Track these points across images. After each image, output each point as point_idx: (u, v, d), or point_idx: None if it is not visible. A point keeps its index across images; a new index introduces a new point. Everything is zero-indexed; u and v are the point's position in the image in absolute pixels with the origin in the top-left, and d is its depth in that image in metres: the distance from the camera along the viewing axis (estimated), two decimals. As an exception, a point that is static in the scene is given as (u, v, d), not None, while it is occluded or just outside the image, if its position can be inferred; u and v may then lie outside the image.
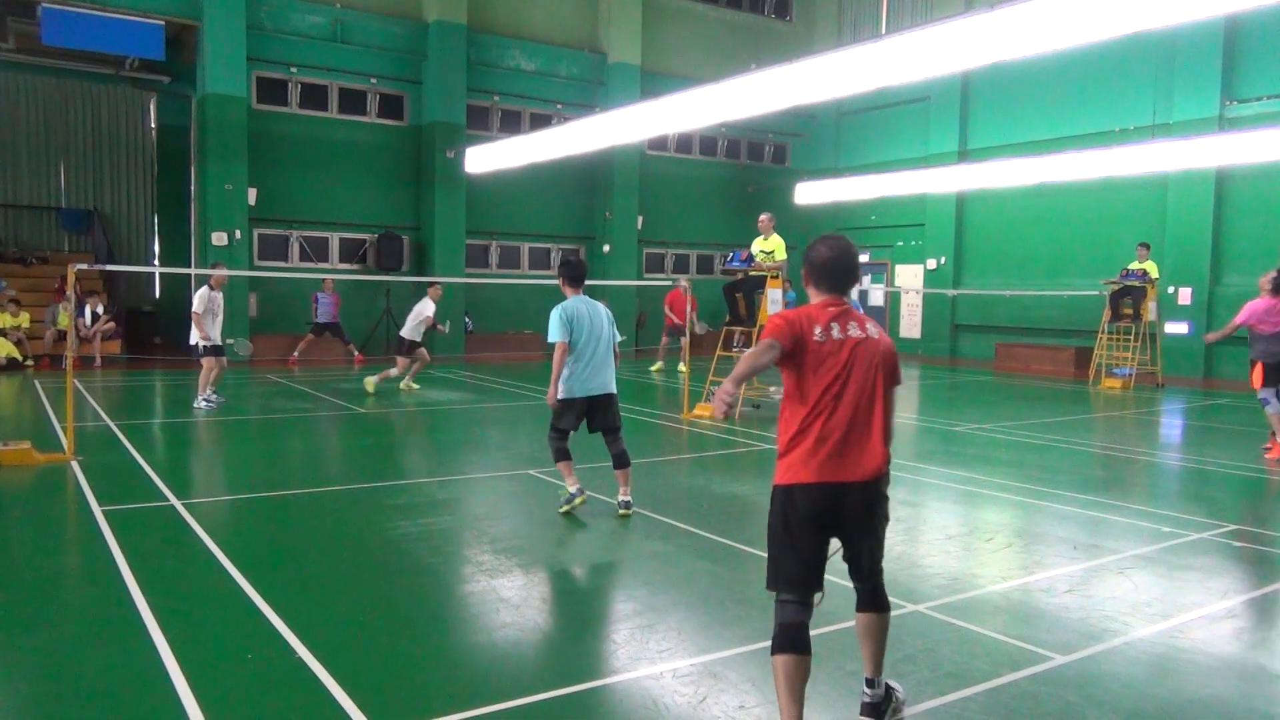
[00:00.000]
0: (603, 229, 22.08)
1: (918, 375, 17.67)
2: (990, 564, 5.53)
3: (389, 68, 19.42)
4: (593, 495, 6.94)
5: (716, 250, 23.53)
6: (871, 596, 3.38)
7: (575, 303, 6.38)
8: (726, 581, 5.06)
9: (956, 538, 6.06)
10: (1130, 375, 15.67)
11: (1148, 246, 16.10)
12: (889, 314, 23.35)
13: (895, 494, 3.59)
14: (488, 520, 6.35)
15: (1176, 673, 3.94)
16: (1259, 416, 10.12)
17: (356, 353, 17.91)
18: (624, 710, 3.50)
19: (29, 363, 15.46)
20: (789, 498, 3.17)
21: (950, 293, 21.15)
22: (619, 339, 6.62)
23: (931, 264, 22.14)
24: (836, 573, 3.61)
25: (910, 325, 22.97)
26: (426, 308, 13.26)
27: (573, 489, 6.46)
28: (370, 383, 13.11)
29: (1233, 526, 6.45)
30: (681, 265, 23.99)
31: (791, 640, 3.07)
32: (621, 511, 6.43)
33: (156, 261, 19.93)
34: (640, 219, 22.32)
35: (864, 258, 22.70)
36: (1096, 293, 17.01)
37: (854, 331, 3.25)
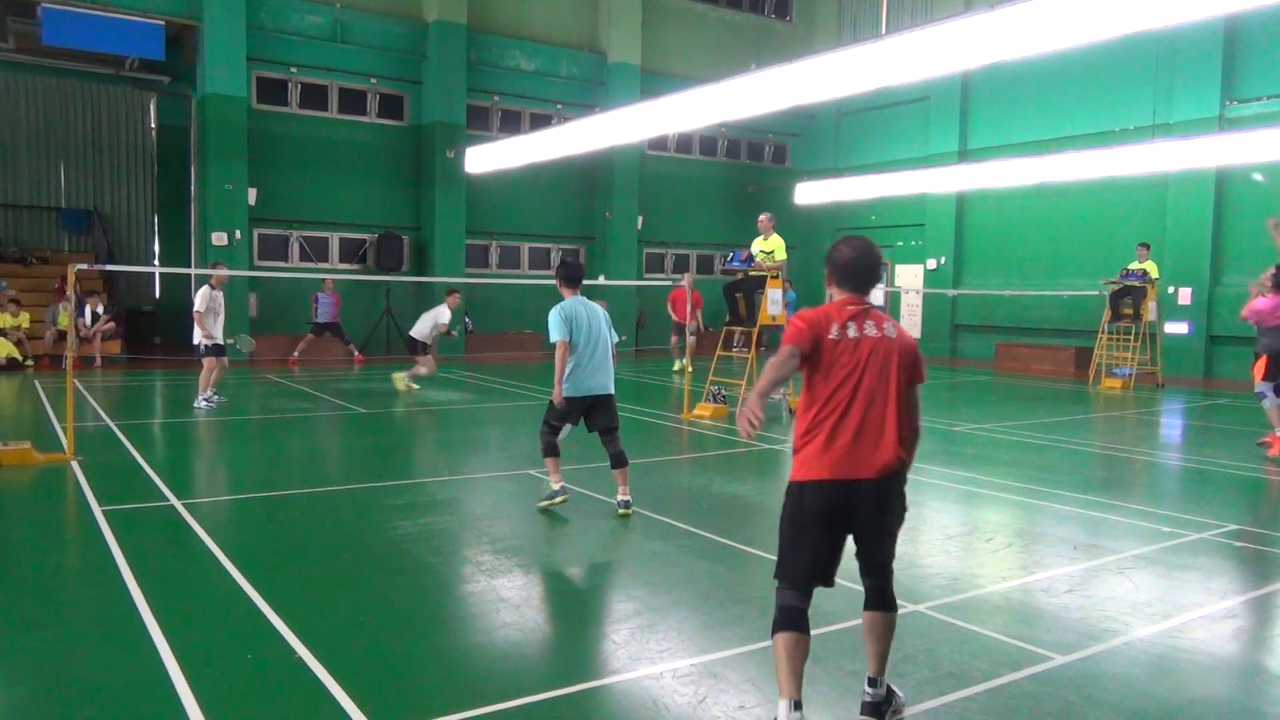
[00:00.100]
0: (603, 229, 22.09)
1: (918, 375, 17.64)
2: (990, 564, 5.53)
3: (389, 68, 19.42)
4: (592, 495, 6.95)
5: (716, 250, 23.53)
6: (879, 596, 3.40)
7: (573, 303, 6.40)
8: (726, 581, 5.06)
9: (956, 538, 6.06)
10: (1130, 375, 15.67)
11: (1148, 246, 16.10)
12: (889, 314, 23.34)
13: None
14: (488, 520, 6.35)
15: (1176, 673, 3.94)
16: (1259, 417, 10.11)
17: (356, 353, 17.91)
18: (624, 710, 3.50)
19: (29, 363, 15.46)
20: (800, 494, 3.24)
21: (950, 293, 21.15)
22: (616, 339, 6.66)
23: (931, 264, 22.14)
24: (840, 574, 3.61)
25: (910, 325, 22.97)
26: (442, 315, 13.21)
27: (556, 486, 6.50)
28: (400, 379, 13.07)
29: (1233, 526, 6.45)
30: (681, 265, 23.99)
31: (792, 622, 3.17)
32: (621, 511, 6.43)
33: (156, 261, 19.92)
34: (640, 219, 22.33)
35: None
36: (1096, 293, 17.02)
37: (870, 331, 3.30)
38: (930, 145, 21.87)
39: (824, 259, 3.51)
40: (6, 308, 15.82)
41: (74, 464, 7.70)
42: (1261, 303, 9.04)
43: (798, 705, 3.09)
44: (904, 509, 3.36)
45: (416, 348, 13.35)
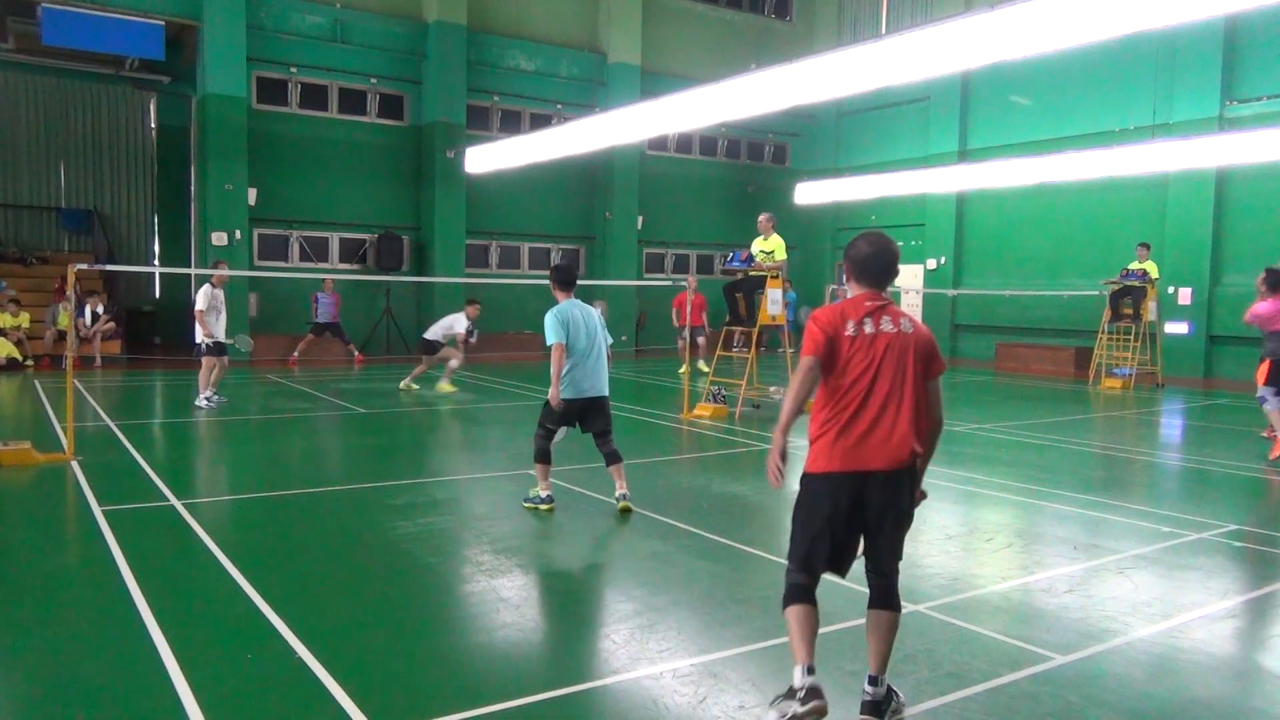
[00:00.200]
0: (603, 229, 22.09)
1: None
2: (990, 564, 5.53)
3: (389, 68, 19.43)
4: (591, 495, 6.96)
5: (716, 250, 23.53)
6: (884, 594, 3.43)
7: (568, 306, 6.44)
8: (726, 581, 5.06)
9: (956, 538, 6.06)
10: (1130, 375, 15.67)
11: (1148, 246, 16.10)
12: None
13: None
14: (488, 520, 6.35)
15: (1176, 673, 3.94)
16: (1259, 417, 10.12)
17: (356, 353, 17.91)
18: (624, 710, 3.50)
19: (29, 363, 15.46)
20: (812, 484, 3.36)
21: (950, 293, 21.15)
22: (609, 341, 6.70)
23: (931, 264, 22.14)
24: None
25: (910, 325, 22.93)
26: (459, 324, 13.17)
27: (544, 493, 6.48)
28: (443, 386, 13.05)
29: (1233, 526, 6.45)
30: (681, 265, 24.00)
31: (799, 596, 3.34)
32: (621, 504, 6.46)
33: (156, 261, 19.93)
34: (640, 219, 22.33)
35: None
36: (1096, 293, 17.01)
37: (887, 326, 3.36)
38: (930, 145, 21.87)
39: (843, 254, 3.59)
40: (6, 308, 15.82)
41: (74, 464, 7.70)
42: (1262, 307, 8.94)
43: (810, 670, 3.23)
44: (913, 503, 3.43)
45: (428, 348, 13.35)
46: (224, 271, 11.58)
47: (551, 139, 14.71)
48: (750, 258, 11.73)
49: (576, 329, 6.34)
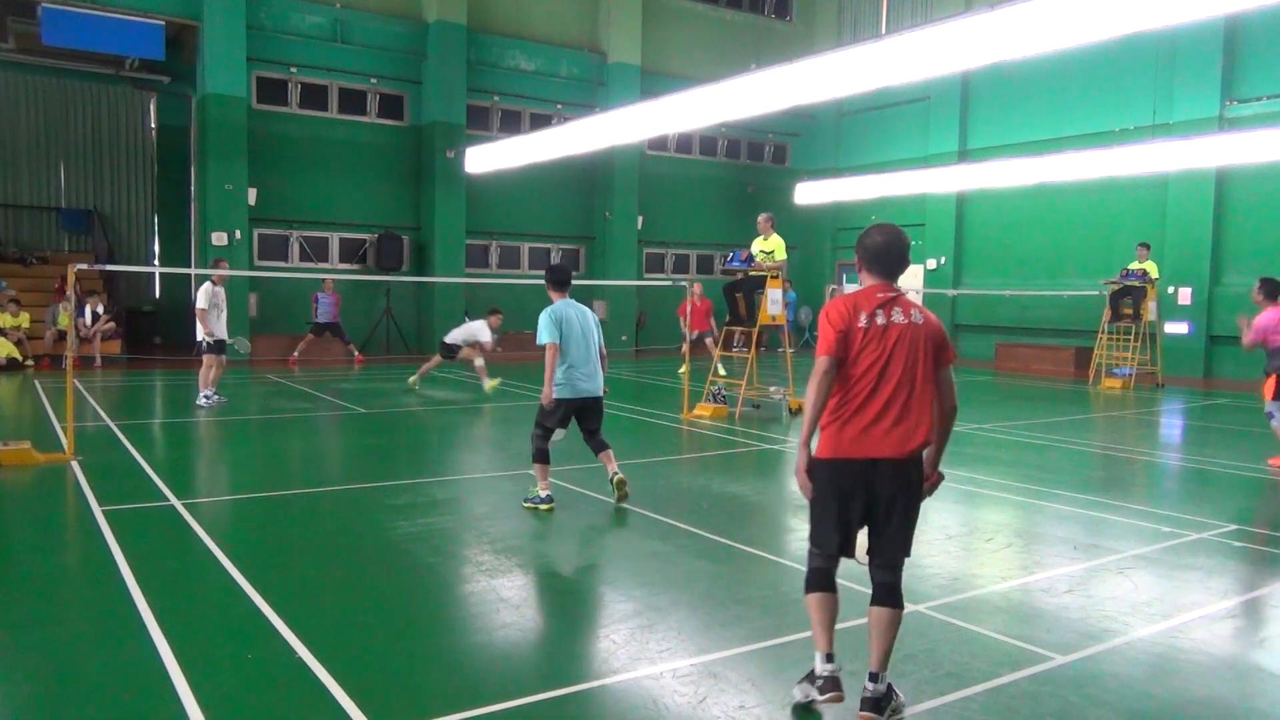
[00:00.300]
0: (603, 229, 22.09)
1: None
2: (990, 564, 5.53)
3: (389, 68, 19.43)
4: (590, 495, 6.96)
5: (716, 250, 23.53)
6: (887, 591, 3.46)
7: (563, 306, 6.50)
8: (726, 581, 5.06)
9: (956, 538, 6.06)
10: (1130, 375, 15.67)
11: (1148, 246, 16.10)
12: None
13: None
14: (488, 520, 6.35)
15: (1176, 673, 3.94)
16: (1259, 417, 10.11)
17: (356, 353, 17.91)
18: (624, 710, 3.50)
19: (29, 363, 15.46)
20: (820, 470, 3.46)
21: (950, 293, 21.15)
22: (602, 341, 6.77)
23: (931, 264, 22.13)
24: (844, 575, 3.65)
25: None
26: (482, 333, 13.13)
27: (543, 494, 6.51)
28: (489, 385, 13.05)
29: (1233, 526, 6.45)
30: (681, 265, 24.00)
31: (819, 583, 3.50)
32: (617, 478, 6.59)
33: (156, 261, 19.93)
34: (640, 219, 22.32)
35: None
36: (1096, 293, 17.01)
37: (898, 318, 3.42)
38: (930, 145, 21.87)
39: (855, 245, 3.65)
40: (6, 308, 15.82)
41: (74, 464, 7.70)
42: (1263, 318, 8.63)
43: (830, 658, 3.41)
44: (927, 488, 3.52)
45: (447, 352, 13.36)
46: (224, 271, 11.58)
47: (551, 139, 14.71)
48: (750, 258, 11.74)
49: (571, 329, 6.40)
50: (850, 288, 3.75)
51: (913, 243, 22.02)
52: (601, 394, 6.63)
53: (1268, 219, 16.43)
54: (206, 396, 11.27)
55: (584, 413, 6.60)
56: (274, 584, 4.82)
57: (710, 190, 24.12)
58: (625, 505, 6.63)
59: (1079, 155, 15.82)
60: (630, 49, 21.69)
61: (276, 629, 4.18)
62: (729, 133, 24.20)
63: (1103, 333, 16.46)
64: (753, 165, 25.11)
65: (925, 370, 3.40)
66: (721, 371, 13.60)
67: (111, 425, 9.83)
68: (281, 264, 18.67)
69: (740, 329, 12.18)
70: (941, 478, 3.60)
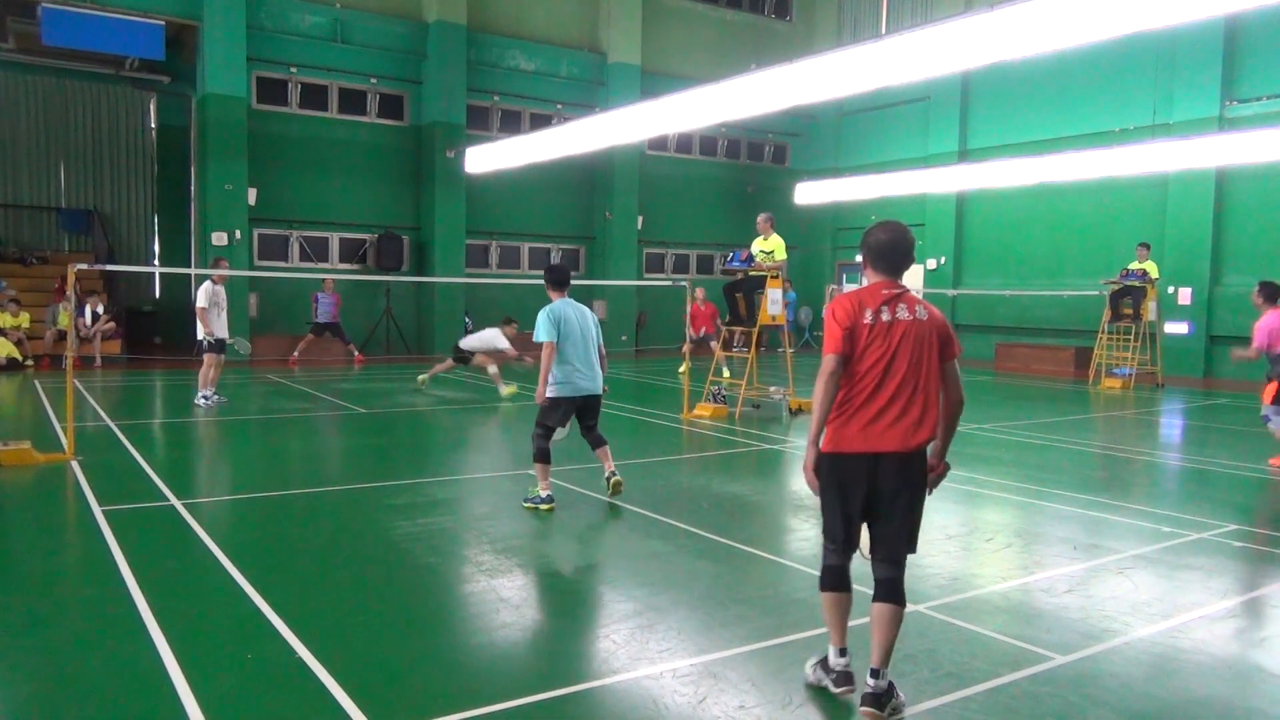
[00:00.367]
0: (603, 229, 22.09)
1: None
2: (990, 564, 5.53)
3: (389, 68, 19.43)
4: (590, 495, 6.96)
5: (716, 250, 23.53)
6: (889, 587, 3.47)
7: (562, 305, 6.54)
8: (726, 581, 5.06)
9: (956, 538, 6.06)
10: (1130, 375, 15.67)
11: (1148, 246, 16.09)
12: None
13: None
14: (488, 520, 6.35)
15: (1176, 673, 3.94)
16: (1259, 417, 10.10)
17: (356, 353, 17.91)
18: (624, 710, 3.50)
19: (29, 363, 15.46)
20: (827, 463, 3.49)
21: (950, 293, 21.15)
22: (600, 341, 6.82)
23: (931, 264, 22.13)
24: (853, 575, 3.64)
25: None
26: (500, 341, 13.05)
27: (544, 493, 6.52)
28: (506, 391, 12.93)
29: (1233, 526, 6.45)
30: (681, 265, 24.00)
31: (834, 580, 3.56)
32: (613, 480, 6.67)
33: (156, 261, 19.93)
34: (640, 219, 22.32)
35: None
36: (1096, 293, 17.01)
37: (903, 314, 3.45)
38: (930, 145, 21.87)
39: (860, 243, 3.70)
40: (6, 308, 15.82)
41: (74, 464, 7.70)
42: (1265, 321, 8.53)
43: (843, 652, 3.52)
44: (932, 479, 3.56)
45: (460, 356, 13.36)
46: (224, 271, 11.58)
47: (551, 139, 14.71)
48: (750, 258, 11.74)
49: (570, 328, 6.44)
50: (850, 287, 3.78)
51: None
52: (601, 392, 6.70)
53: (1268, 219, 16.43)
54: (205, 396, 11.27)
55: (584, 410, 6.70)
56: (274, 584, 4.82)
57: (710, 190, 24.11)
58: (625, 505, 6.64)
59: (1079, 155, 15.82)
60: (630, 49, 21.69)
61: (276, 629, 4.18)
62: (729, 133, 24.20)
63: (1103, 333, 16.46)
64: (753, 165, 25.11)
65: (930, 366, 3.42)
66: (726, 373, 13.63)
67: (111, 425, 9.83)
68: (281, 264, 18.67)
69: (740, 329, 12.18)
70: (948, 468, 3.63)
